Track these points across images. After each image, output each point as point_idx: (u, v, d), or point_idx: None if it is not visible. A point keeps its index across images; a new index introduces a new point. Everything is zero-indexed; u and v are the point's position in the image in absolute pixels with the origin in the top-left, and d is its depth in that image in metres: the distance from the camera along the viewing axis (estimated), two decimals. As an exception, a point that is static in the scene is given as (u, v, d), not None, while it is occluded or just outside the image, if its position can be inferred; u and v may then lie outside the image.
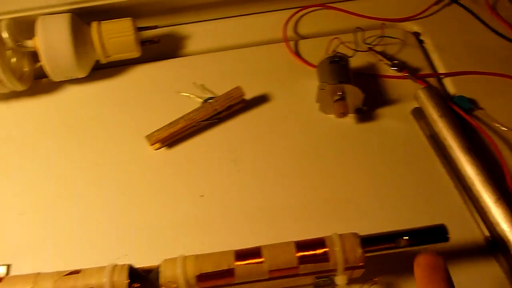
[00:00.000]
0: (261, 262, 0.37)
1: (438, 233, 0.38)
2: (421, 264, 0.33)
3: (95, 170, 0.49)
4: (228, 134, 0.51)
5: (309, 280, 0.40)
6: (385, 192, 0.46)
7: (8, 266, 0.43)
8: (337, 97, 0.49)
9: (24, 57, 0.55)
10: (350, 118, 0.51)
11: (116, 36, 0.53)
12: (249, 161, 0.48)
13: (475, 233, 0.43)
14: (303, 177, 0.47)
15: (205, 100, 0.51)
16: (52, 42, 0.51)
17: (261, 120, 0.51)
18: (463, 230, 0.43)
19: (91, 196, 0.48)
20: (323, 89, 0.49)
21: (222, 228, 0.45)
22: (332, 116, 0.51)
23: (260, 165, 0.48)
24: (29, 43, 0.52)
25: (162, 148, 0.50)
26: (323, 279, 0.39)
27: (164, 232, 0.45)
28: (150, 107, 0.53)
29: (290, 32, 0.59)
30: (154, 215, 0.46)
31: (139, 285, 0.36)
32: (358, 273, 0.39)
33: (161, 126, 0.49)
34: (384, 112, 0.52)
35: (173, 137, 0.50)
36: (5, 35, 0.51)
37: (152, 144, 0.49)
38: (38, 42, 0.51)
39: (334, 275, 0.38)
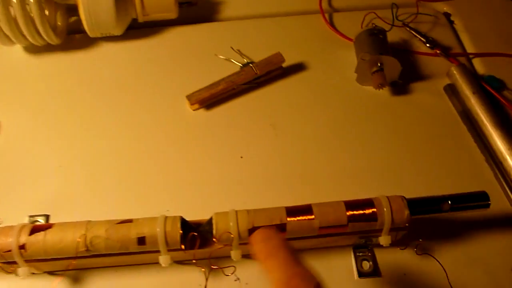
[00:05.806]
0: (312, 219, 0.38)
1: (480, 199, 0.40)
2: (256, 239, 0.34)
3: (131, 127, 0.49)
4: (266, 99, 0.51)
5: (351, 240, 0.41)
6: (417, 164, 0.47)
7: (47, 217, 0.44)
8: (376, 68, 0.50)
9: (58, 10, 0.54)
10: (385, 91, 0.52)
11: (156, -5, 0.52)
12: (287, 126, 0.49)
13: (506, 205, 0.45)
14: (339, 144, 0.48)
15: (244, 65, 0.52)
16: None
17: (299, 88, 0.52)
18: (493, 203, 0.43)
19: (127, 152, 0.48)
20: (364, 59, 0.50)
21: (262, 188, 0.45)
22: (368, 87, 0.52)
23: (298, 131, 0.49)
24: (69, -4, 0.51)
25: (201, 109, 0.50)
26: (365, 239, 0.41)
27: (200, 190, 0.45)
28: (187, 69, 0.53)
29: (324, 5, 0.60)
30: (192, 173, 0.46)
31: (196, 234, 0.37)
32: (399, 235, 0.41)
33: (199, 87, 0.49)
34: (418, 87, 0.53)
35: (212, 99, 0.50)
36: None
37: (192, 104, 0.49)
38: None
39: (378, 236, 0.40)
